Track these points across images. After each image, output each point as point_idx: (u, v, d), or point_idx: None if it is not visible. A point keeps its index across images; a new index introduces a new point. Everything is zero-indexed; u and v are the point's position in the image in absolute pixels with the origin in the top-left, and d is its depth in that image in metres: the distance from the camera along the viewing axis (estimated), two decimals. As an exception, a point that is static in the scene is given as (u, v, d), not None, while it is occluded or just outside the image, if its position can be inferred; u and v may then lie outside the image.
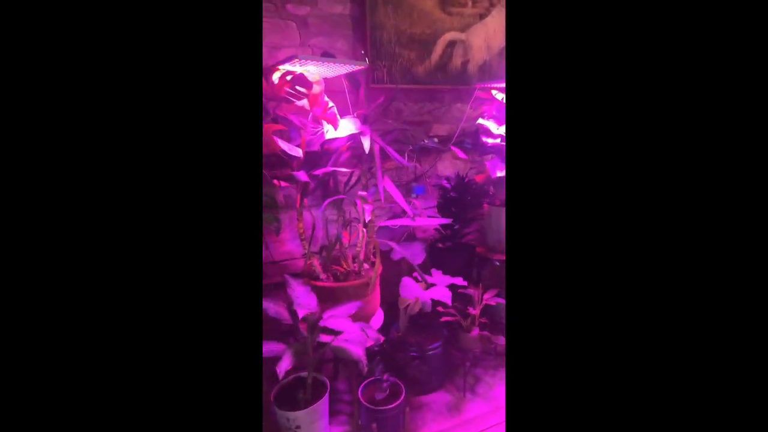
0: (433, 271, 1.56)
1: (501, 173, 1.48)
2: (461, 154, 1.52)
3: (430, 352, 1.59)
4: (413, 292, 1.29)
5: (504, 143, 1.47)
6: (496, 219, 1.73)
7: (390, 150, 1.23)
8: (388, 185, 1.22)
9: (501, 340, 1.52)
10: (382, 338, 1.29)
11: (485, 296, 1.59)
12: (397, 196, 1.19)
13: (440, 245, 1.69)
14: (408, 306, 1.38)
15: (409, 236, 1.80)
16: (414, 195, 1.85)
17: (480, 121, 1.50)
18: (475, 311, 1.53)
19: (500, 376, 1.71)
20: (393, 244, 1.23)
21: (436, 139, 1.85)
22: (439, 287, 1.35)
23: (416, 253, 1.63)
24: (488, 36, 1.79)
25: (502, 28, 1.81)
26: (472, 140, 1.61)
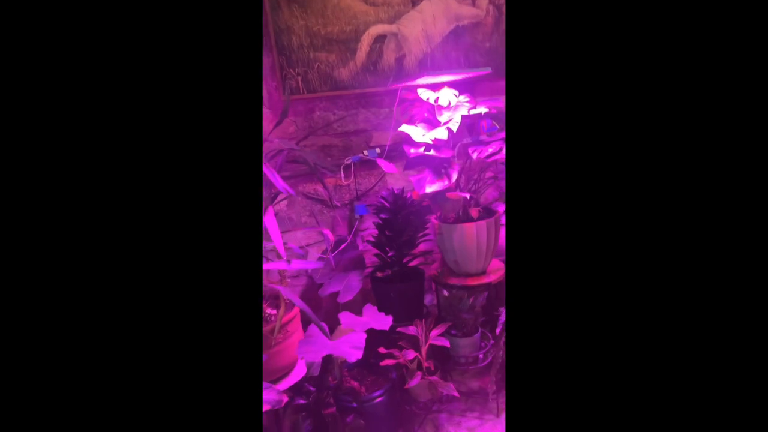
0: (366, 308, 1.32)
1: (431, 188, 1.22)
2: (389, 168, 1.28)
3: (375, 401, 1.36)
4: (315, 345, 1.07)
5: (431, 152, 1.21)
6: (449, 237, 1.46)
7: (271, 174, 1.03)
8: (268, 219, 1.01)
9: (450, 389, 1.26)
10: (285, 399, 1.08)
11: (432, 334, 1.33)
12: (274, 232, 0.98)
13: (379, 274, 1.45)
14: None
15: (355, 264, 1.57)
16: (357, 215, 1.62)
17: (402, 127, 1.25)
18: (414, 354, 1.28)
19: (467, 424, 1.44)
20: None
21: (377, 150, 1.61)
22: (355, 335, 1.12)
23: (352, 286, 1.41)
24: (426, 24, 1.53)
25: (444, 12, 1.54)
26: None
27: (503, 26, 1.63)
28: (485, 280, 1.51)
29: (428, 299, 1.80)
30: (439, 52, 1.57)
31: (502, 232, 1.59)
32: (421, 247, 1.67)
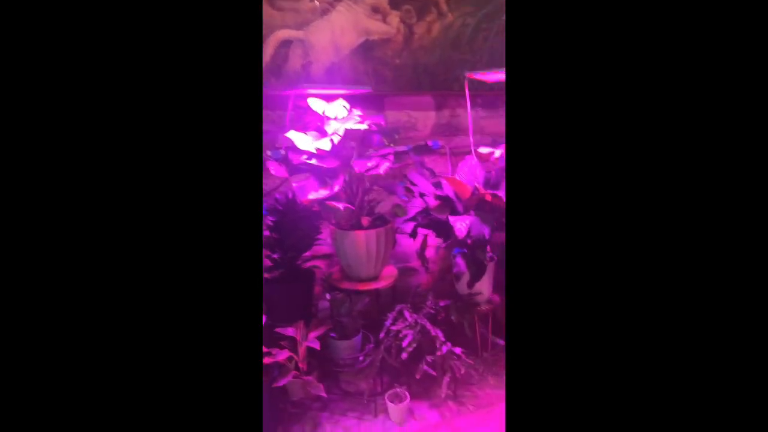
0: (246, 307, 1.35)
1: (314, 195, 1.26)
2: (277, 171, 1.31)
3: (252, 399, 1.38)
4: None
5: (314, 161, 1.26)
6: (342, 243, 1.51)
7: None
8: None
9: (320, 389, 1.31)
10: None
11: (310, 335, 1.38)
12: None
13: (267, 275, 1.48)
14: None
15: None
16: (264, 214, 1.64)
17: (289, 133, 1.29)
18: (288, 354, 1.32)
19: (345, 423, 1.50)
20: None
21: (283, 151, 1.63)
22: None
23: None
24: (335, 35, 1.58)
25: (353, 25, 1.59)
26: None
27: (414, 44, 1.71)
28: (374, 285, 1.57)
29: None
30: (348, 63, 1.61)
31: (403, 239, 1.66)
32: (323, 250, 1.71)
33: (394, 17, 1.65)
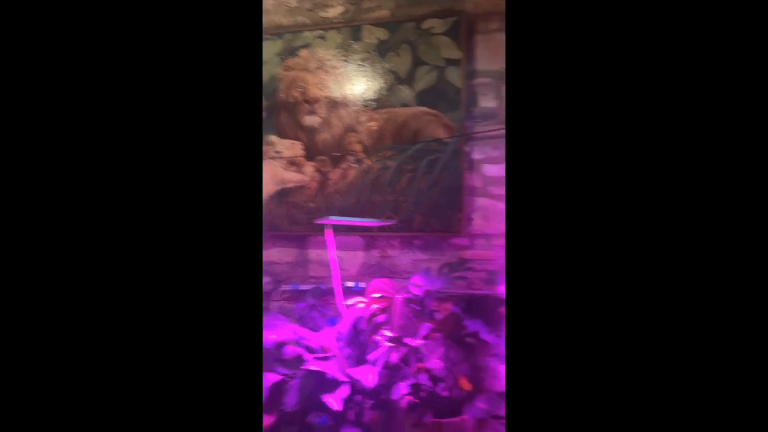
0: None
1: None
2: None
3: None
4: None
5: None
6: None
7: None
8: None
9: None
10: None
11: None
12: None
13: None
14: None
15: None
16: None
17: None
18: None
19: None
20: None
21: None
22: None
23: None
24: (256, 186, 1.82)
25: (270, 177, 1.80)
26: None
27: (329, 189, 1.77)
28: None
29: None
30: (266, 209, 1.81)
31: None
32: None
33: (309, 167, 1.78)
